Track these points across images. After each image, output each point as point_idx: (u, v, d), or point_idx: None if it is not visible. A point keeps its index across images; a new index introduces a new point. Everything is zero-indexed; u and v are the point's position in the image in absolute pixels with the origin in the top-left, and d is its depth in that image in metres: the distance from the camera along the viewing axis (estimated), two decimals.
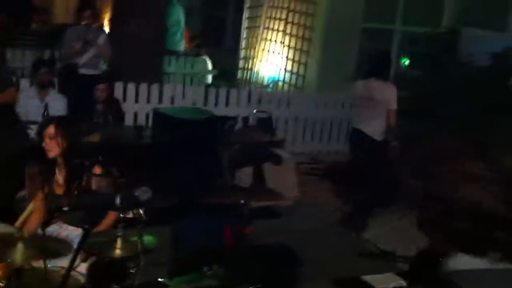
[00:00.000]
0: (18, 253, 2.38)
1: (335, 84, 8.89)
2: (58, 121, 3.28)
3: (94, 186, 3.22)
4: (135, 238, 2.63)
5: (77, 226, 3.17)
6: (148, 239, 2.72)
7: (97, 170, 3.22)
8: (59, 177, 3.36)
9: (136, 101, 6.94)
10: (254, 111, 5.95)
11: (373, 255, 4.82)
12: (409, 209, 1.47)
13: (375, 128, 5.70)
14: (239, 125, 6.09)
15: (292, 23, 9.79)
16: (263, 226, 5.45)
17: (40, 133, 3.33)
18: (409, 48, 8.09)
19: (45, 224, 3.13)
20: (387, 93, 5.62)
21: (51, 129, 3.23)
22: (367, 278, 3.12)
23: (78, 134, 3.48)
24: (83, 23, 6.29)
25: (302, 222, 5.63)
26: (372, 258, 4.82)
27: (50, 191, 3.38)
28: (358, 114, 5.86)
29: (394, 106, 5.61)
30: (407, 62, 7.73)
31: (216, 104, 7.32)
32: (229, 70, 11.11)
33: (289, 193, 5.95)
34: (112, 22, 8.33)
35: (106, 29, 9.17)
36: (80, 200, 2.97)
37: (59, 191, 3.33)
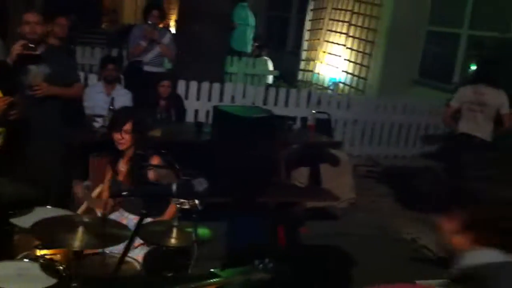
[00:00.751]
0: (78, 238, 2.49)
1: (397, 88, 8.78)
2: (136, 118, 3.44)
3: (154, 176, 3.34)
4: (190, 229, 2.71)
5: (136, 213, 3.31)
6: (203, 231, 2.80)
7: (157, 161, 3.34)
8: (123, 166, 3.50)
9: (198, 98, 7.09)
10: (313, 111, 5.95)
11: (430, 261, 4.76)
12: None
13: (486, 132, 5.83)
14: (297, 125, 6.11)
15: (356, 25, 9.72)
16: (317, 227, 5.49)
17: (114, 126, 3.48)
18: (476, 52, 7.87)
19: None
20: (499, 98, 5.76)
21: (128, 125, 3.39)
22: (423, 283, 3.07)
23: (146, 129, 3.64)
24: (149, 22, 6.47)
25: (357, 225, 5.61)
26: (428, 264, 4.76)
27: (114, 179, 3.53)
28: (467, 119, 5.86)
29: (507, 110, 5.74)
30: (473, 67, 7.52)
31: (275, 103, 7.36)
32: (290, 71, 11.15)
33: (345, 195, 5.92)
34: (177, 22, 8.53)
35: (172, 29, 9.42)
36: (139, 186, 3.09)
37: (122, 179, 3.47)
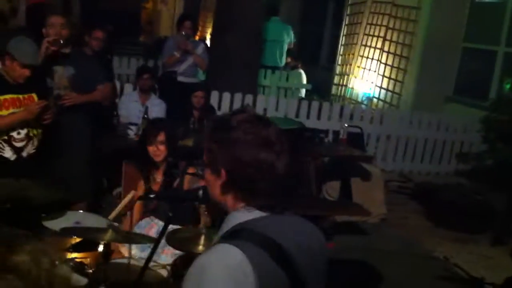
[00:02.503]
0: (107, 240, 2.54)
1: (431, 104, 8.67)
2: (168, 129, 3.48)
3: (186, 185, 3.37)
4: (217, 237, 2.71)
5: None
6: None
7: (190, 170, 3.37)
8: (158, 177, 3.53)
9: (231, 110, 7.13)
10: (346, 125, 5.92)
11: (462, 280, 4.66)
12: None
13: None
14: (329, 138, 6.08)
15: (391, 40, 9.66)
16: (346, 242, 5.42)
17: (147, 137, 3.53)
18: None
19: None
20: None
21: (161, 136, 3.43)
22: None
23: (179, 139, 3.67)
24: (182, 33, 6.57)
25: (387, 241, 5.53)
26: (460, 283, 4.66)
27: (148, 187, 3.56)
28: None
29: None
30: (509, 85, 7.38)
31: (308, 116, 7.35)
32: (323, 85, 11.13)
33: (376, 210, 5.85)
34: (212, 34, 8.63)
35: (208, 42, 9.52)
36: (166, 191, 3.12)
37: (157, 189, 3.50)
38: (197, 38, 6.99)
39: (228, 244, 1.44)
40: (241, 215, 1.54)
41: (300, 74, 10.45)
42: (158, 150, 3.45)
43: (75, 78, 4.22)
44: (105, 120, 5.08)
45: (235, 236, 1.47)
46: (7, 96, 3.68)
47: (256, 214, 1.54)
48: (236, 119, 1.57)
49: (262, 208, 1.54)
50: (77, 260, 2.95)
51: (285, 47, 10.20)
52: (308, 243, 1.59)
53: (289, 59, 10.52)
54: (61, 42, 4.09)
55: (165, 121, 3.86)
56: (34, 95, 3.79)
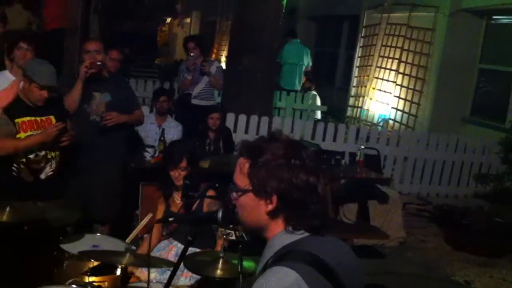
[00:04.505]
0: (125, 262, 2.52)
1: (448, 126, 8.60)
2: (190, 154, 3.48)
3: (205, 208, 3.35)
4: (236, 261, 2.68)
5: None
6: (248, 263, 2.77)
7: (210, 193, 3.36)
8: (178, 199, 3.52)
9: (246, 131, 7.13)
10: (362, 147, 5.87)
11: None
12: None
13: None
14: (346, 160, 6.03)
15: (406, 62, 9.65)
16: (364, 266, 5.31)
17: (170, 163, 3.52)
18: None
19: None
20: None
21: (184, 163, 3.43)
22: None
23: (197, 162, 3.67)
24: (191, 54, 6.58)
25: (405, 265, 5.44)
26: None
27: (168, 210, 3.54)
28: None
29: None
30: None
31: (323, 138, 7.33)
32: (338, 107, 11.11)
33: (394, 233, 5.77)
34: (228, 57, 8.69)
35: (223, 64, 9.58)
36: (185, 213, 3.11)
37: (175, 209, 3.48)
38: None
39: (282, 266, 1.51)
40: (286, 237, 1.60)
41: (315, 96, 10.45)
42: (179, 175, 3.44)
43: (112, 104, 4.30)
44: (132, 141, 5.13)
45: (287, 257, 1.54)
46: (25, 119, 3.70)
47: (299, 235, 1.60)
48: (278, 145, 1.62)
49: (309, 230, 1.61)
50: (95, 284, 2.93)
51: (303, 70, 10.23)
52: (347, 261, 1.65)
53: (303, 81, 10.54)
54: (99, 64, 4.16)
55: (188, 145, 3.85)
56: (52, 117, 3.81)
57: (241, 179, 1.63)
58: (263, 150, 1.61)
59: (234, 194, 1.65)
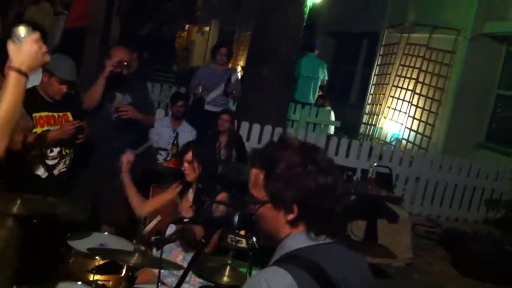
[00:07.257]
0: (134, 263, 2.51)
1: (461, 150, 8.53)
2: (195, 148, 3.48)
3: (217, 211, 3.34)
4: (244, 269, 2.66)
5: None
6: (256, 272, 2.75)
7: (223, 197, 3.35)
8: (186, 200, 3.52)
9: (259, 141, 7.12)
10: (375, 164, 5.84)
11: None
12: None
13: None
14: (357, 176, 6.00)
15: (423, 83, 9.61)
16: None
17: (179, 159, 3.57)
18: None
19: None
20: None
21: (189, 155, 3.43)
22: None
23: (210, 163, 3.65)
24: (213, 63, 6.67)
25: (411, 286, 5.39)
26: None
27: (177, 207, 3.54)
28: None
29: None
30: None
31: (336, 153, 7.29)
32: (352, 124, 11.08)
33: (401, 254, 5.72)
34: (245, 66, 8.71)
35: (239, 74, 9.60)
36: (200, 215, 3.09)
37: (185, 213, 3.47)
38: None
39: (280, 267, 1.48)
40: (300, 241, 1.57)
41: (330, 111, 10.43)
42: (186, 169, 3.44)
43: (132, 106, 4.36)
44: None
45: (290, 260, 1.51)
46: (43, 114, 3.72)
47: (314, 241, 1.57)
48: (292, 152, 1.57)
49: (329, 234, 1.59)
50: (99, 282, 2.92)
51: (319, 84, 10.21)
52: (356, 280, 1.60)
53: (318, 96, 10.53)
54: (125, 64, 4.21)
55: (194, 142, 3.87)
56: (69, 114, 3.82)
57: (257, 191, 1.59)
58: (277, 159, 1.55)
59: (252, 206, 1.61)
